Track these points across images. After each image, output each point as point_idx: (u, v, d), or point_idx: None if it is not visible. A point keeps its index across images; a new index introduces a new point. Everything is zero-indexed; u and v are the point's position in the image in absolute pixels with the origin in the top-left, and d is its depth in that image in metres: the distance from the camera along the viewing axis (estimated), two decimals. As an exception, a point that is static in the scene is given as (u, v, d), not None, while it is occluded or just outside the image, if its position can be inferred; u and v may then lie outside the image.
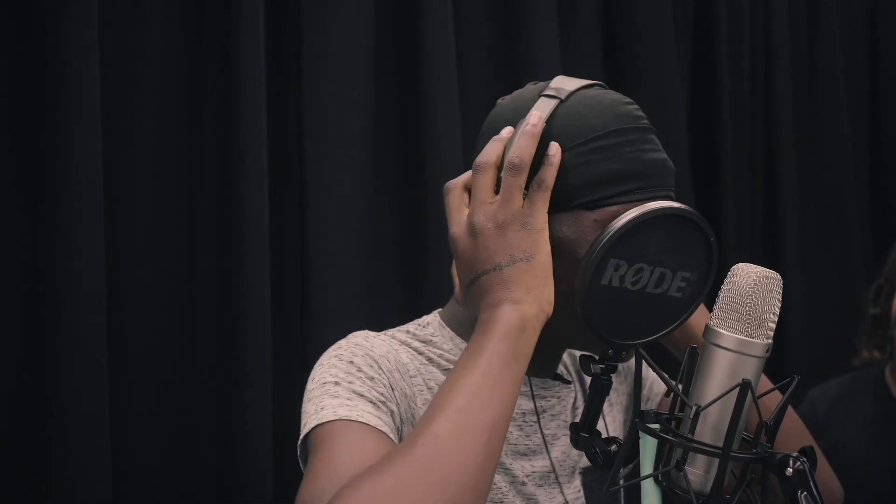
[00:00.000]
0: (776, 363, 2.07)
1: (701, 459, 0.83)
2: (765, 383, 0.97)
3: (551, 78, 0.98)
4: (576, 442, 0.98)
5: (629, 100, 0.97)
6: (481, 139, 0.98)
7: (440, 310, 1.10)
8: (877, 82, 2.62)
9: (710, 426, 0.83)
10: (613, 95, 0.96)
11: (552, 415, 1.07)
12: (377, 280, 1.79)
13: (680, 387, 0.86)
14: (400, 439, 0.96)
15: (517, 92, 1.00)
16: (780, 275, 0.83)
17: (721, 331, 0.82)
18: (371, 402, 0.94)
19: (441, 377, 1.02)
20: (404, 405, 0.98)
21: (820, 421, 2.00)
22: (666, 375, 0.86)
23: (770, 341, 0.82)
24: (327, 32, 1.73)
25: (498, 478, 1.00)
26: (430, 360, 1.03)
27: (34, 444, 1.42)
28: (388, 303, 1.80)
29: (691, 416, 0.82)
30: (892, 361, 1.96)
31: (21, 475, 1.42)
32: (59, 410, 1.42)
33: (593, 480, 1.09)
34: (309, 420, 0.93)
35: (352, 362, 0.97)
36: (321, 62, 1.73)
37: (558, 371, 1.09)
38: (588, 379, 1.14)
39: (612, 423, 1.13)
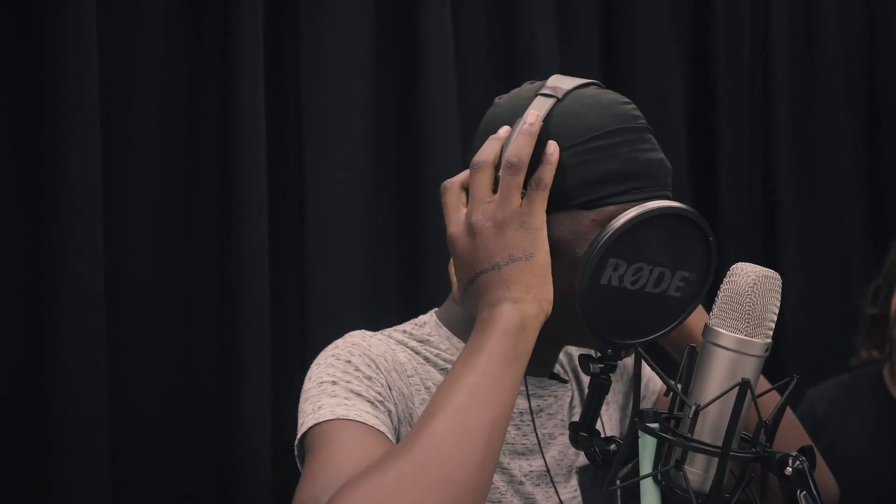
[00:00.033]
0: (774, 363, 2.07)
1: (700, 459, 0.83)
2: (763, 384, 0.97)
3: (549, 77, 0.98)
4: (575, 441, 0.98)
5: (626, 99, 0.97)
6: (478, 138, 0.97)
7: (436, 309, 1.10)
8: (875, 82, 2.62)
9: (710, 426, 0.83)
10: (611, 95, 0.97)
11: (549, 414, 1.07)
12: (376, 279, 1.79)
13: (679, 386, 0.86)
14: (397, 439, 0.95)
15: (514, 91, 1.00)
16: (779, 274, 0.84)
17: (720, 330, 0.82)
18: (369, 401, 0.94)
19: (438, 376, 1.02)
20: (402, 405, 0.98)
21: (818, 421, 2.00)
22: (665, 375, 0.86)
23: (769, 341, 0.82)
24: (326, 32, 1.73)
25: (496, 477, 1.00)
26: (426, 359, 1.03)
27: (33, 445, 1.42)
28: (387, 302, 1.80)
29: (690, 416, 0.82)
30: (890, 361, 1.96)
31: (20, 475, 1.42)
32: (59, 410, 1.42)
33: (590, 480, 1.09)
34: (306, 420, 0.93)
35: (349, 362, 0.97)
36: (320, 62, 1.73)
37: (555, 370, 1.09)
38: (584, 378, 1.14)
39: (608, 421, 1.13)
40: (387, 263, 1.82)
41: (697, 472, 0.84)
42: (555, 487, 1.05)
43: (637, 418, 0.86)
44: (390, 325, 1.08)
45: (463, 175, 0.93)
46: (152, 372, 1.57)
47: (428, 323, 1.07)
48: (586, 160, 0.92)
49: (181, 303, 1.61)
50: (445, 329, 1.06)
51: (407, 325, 1.08)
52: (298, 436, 0.94)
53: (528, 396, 1.06)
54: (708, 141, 2.30)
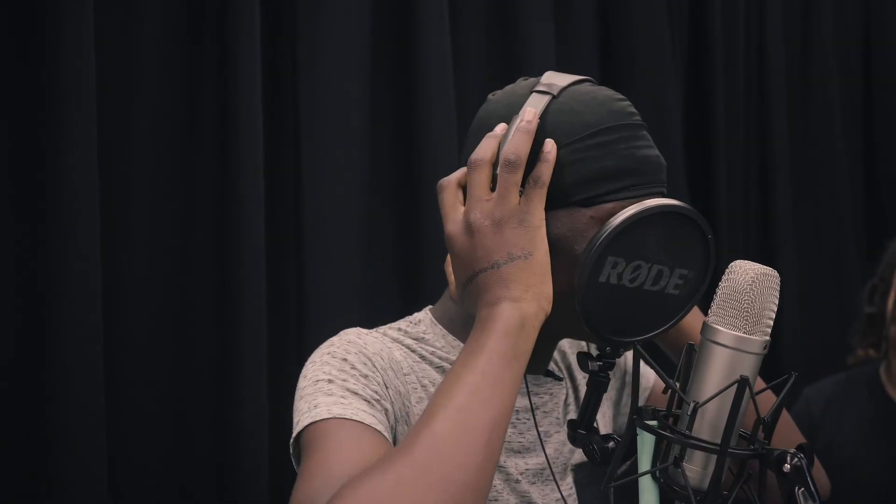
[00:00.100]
0: (771, 362, 2.07)
1: (699, 456, 0.84)
2: (759, 384, 0.98)
3: (543, 74, 0.98)
4: (573, 439, 0.98)
5: (621, 96, 0.97)
6: (473, 135, 0.97)
7: (431, 307, 1.09)
8: (870, 82, 2.63)
9: (708, 423, 0.83)
10: (606, 91, 0.97)
11: (544, 412, 1.08)
12: (374, 279, 1.79)
13: (677, 384, 0.86)
14: (394, 438, 0.95)
15: (508, 88, 0.99)
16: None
17: (719, 328, 0.82)
18: (365, 400, 0.93)
19: (434, 374, 1.02)
20: (398, 403, 0.97)
21: (815, 420, 2.00)
22: (663, 373, 0.86)
23: (768, 338, 0.82)
24: (324, 32, 1.73)
25: None
26: (422, 357, 1.03)
27: (32, 445, 1.42)
28: (385, 301, 1.80)
29: (689, 413, 0.82)
30: (887, 360, 1.97)
31: (19, 475, 1.41)
32: (57, 410, 1.41)
33: (586, 477, 1.10)
34: (302, 418, 0.93)
35: (345, 360, 0.96)
36: (318, 62, 1.73)
37: (549, 368, 1.09)
38: (578, 375, 1.14)
39: (601, 418, 1.13)
40: (385, 263, 1.82)
41: (696, 469, 0.84)
42: (556, 483, 1.05)
43: (636, 416, 0.86)
44: (387, 324, 1.08)
45: (459, 173, 0.93)
46: (150, 372, 1.57)
47: (423, 321, 1.07)
48: (584, 157, 0.92)
49: (179, 303, 1.61)
50: (440, 327, 1.06)
51: (401, 323, 1.07)
52: (294, 434, 0.93)
53: (529, 394, 1.06)
54: (705, 141, 2.30)
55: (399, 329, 1.06)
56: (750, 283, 0.81)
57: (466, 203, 0.90)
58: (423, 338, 1.05)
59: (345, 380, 0.94)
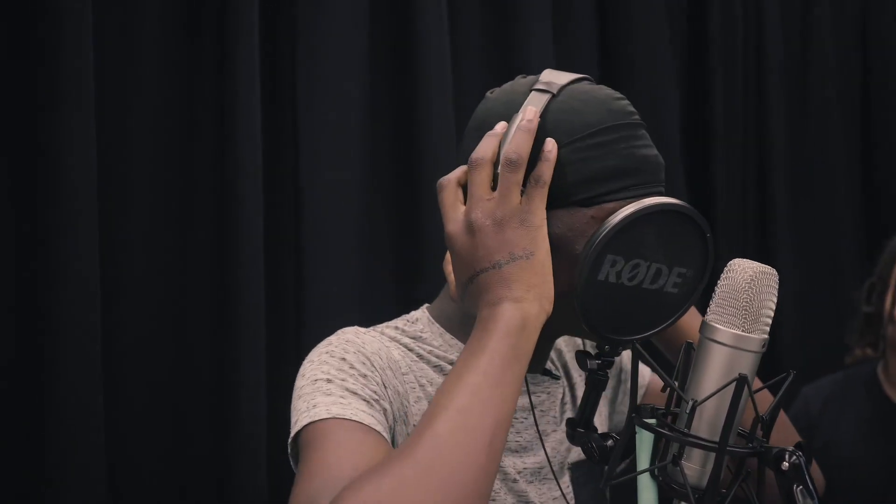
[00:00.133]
0: (770, 361, 2.07)
1: (697, 454, 0.84)
2: (757, 383, 0.98)
3: (541, 72, 0.98)
4: (572, 437, 0.98)
5: (620, 95, 0.97)
6: (471, 133, 0.97)
7: (428, 305, 1.09)
8: (868, 82, 2.64)
9: (706, 421, 0.83)
10: (605, 90, 0.96)
11: (542, 411, 1.08)
12: (373, 278, 1.79)
13: (676, 382, 0.86)
14: (393, 438, 0.95)
15: (507, 85, 0.99)
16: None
17: (717, 326, 0.82)
18: (364, 400, 0.93)
19: (431, 374, 1.02)
20: (397, 403, 0.97)
21: (813, 419, 2.01)
22: (661, 371, 0.86)
23: (766, 336, 0.82)
24: (322, 32, 1.73)
25: None
26: (420, 356, 1.03)
27: (30, 444, 1.42)
28: (383, 301, 1.80)
29: (688, 411, 0.82)
30: (884, 359, 1.97)
31: (18, 474, 1.41)
32: (55, 410, 1.41)
33: (582, 476, 1.10)
34: (300, 417, 0.92)
35: (344, 359, 0.96)
36: (316, 61, 1.73)
37: (546, 367, 1.09)
38: (574, 374, 1.14)
39: (597, 416, 1.13)
40: (383, 262, 1.82)
41: (694, 467, 0.84)
42: (556, 481, 1.05)
43: (634, 414, 0.86)
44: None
45: (459, 172, 0.92)
46: (149, 372, 1.57)
47: (420, 319, 1.07)
48: (585, 157, 0.92)
49: (178, 303, 1.61)
50: (438, 326, 1.05)
51: (399, 322, 1.07)
52: (292, 433, 0.93)
53: (529, 393, 1.06)
54: (703, 140, 2.31)
55: (396, 328, 1.06)
56: (748, 282, 0.81)
57: (467, 202, 0.90)
58: (421, 336, 1.04)
59: (343, 379, 0.94)
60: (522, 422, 1.05)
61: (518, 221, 0.88)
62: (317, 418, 0.90)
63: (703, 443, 0.82)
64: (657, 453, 0.87)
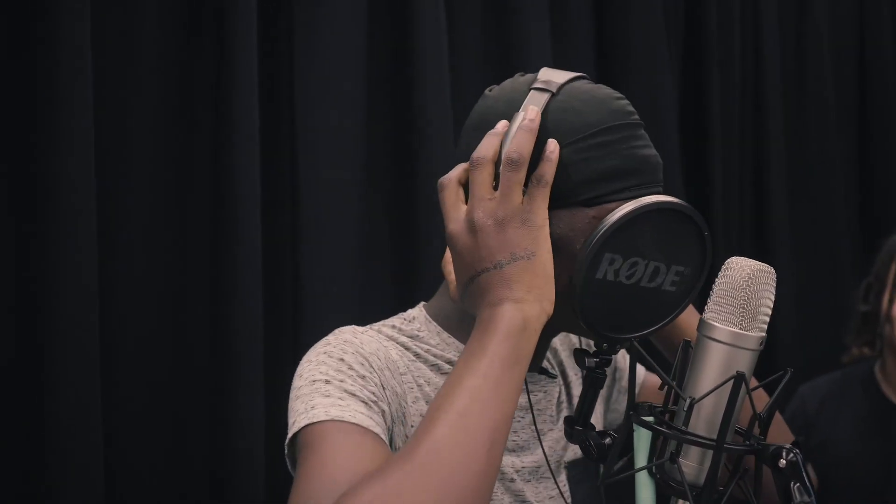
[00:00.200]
0: (767, 361, 2.08)
1: (695, 451, 0.84)
2: (754, 382, 0.98)
3: (539, 70, 0.98)
4: (570, 435, 0.98)
5: (619, 94, 0.97)
6: (471, 132, 0.97)
7: (425, 303, 1.09)
8: (864, 83, 2.64)
9: (704, 419, 0.83)
10: (605, 89, 0.96)
11: (538, 409, 1.08)
12: (370, 279, 1.79)
13: (674, 380, 0.86)
14: (391, 439, 0.95)
15: (506, 83, 0.99)
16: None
17: (715, 324, 0.83)
18: (363, 401, 0.93)
19: (429, 373, 1.02)
20: (395, 404, 0.97)
21: (810, 418, 2.01)
22: (659, 369, 0.86)
23: (763, 334, 0.82)
24: (320, 32, 1.73)
25: None
26: (417, 355, 1.02)
27: (29, 443, 1.41)
28: (381, 302, 1.80)
29: (685, 409, 0.83)
30: (881, 359, 1.97)
31: (16, 474, 1.41)
32: (54, 409, 1.41)
33: (579, 474, 1.10)
34: (298, 419, 0.92)
35: (342, 360, 0.96)
36: (314, 62, 1.73)
37: (543, 365, 1.09)
38: (570, 372, 1.14)
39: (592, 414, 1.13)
40: (381, 263, 1.82)
41: (692, 464, 0.84)
42: (554, 480, 1.06)
43: (632, 412, 0.87)
44: (382, 323, 1.08)
45: (459, 171, 0.92)
46: (146, 372, 1.57)
47: (417, 318, 1.06)
48: (587, 157, 0.91)
49: (175, 303, 1.61)
50: (435, 324, 1.05)
51: (395, 320, 1.07)
52: (290, 434, 0.93)
53: (528, 392, 1.06)
54: (700, 140, 2.31)
55: (393, 326, 1.05)
56: (746, 280, 0.82)
57: (469, 202, 0.89)
58: (418, 335, 1.04)
59: (342, 380, 0.94)
60: (519, 421, 1.05)
61: (520, 221, 0.87)
62: (315, 420, 0.90)
63: (701, 440, 0.82)
64: (655, 451, 0.87)
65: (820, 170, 2.51)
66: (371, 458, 0.86)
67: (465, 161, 0.93)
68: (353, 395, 0.93)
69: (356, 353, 0.97)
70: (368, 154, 1.80)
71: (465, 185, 0.91)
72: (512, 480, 1.03)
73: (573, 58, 2.08)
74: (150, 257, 1.58)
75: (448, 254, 1.02)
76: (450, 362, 1.03)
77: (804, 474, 0.81)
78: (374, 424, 0.91)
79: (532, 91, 0.93)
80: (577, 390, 1.14)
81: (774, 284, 0.83)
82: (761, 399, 0.99)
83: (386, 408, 0.95)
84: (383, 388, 0.96)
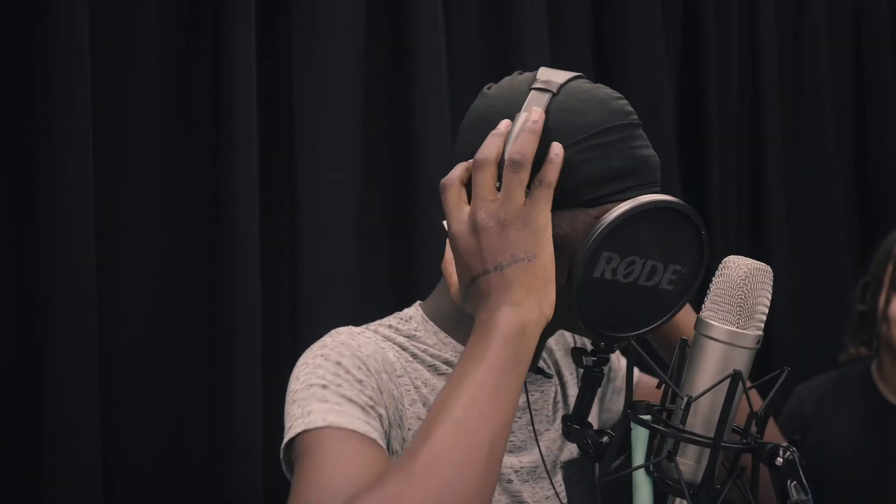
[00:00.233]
0: (764, 360, 2.08)
1: (692, 450, 0.84)
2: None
3: (538, 69, 0.97)
4: (568, 434, 0.98)
5: (618, 94, 0.97)
6: (469, 131, 0.96)
7: (421, 302, 1.09)
8: (862, 82, 2.65)
9: (701, 417, 0.84)
10: (604, 89, 0.96)
11: (535, 409, 1.08)
12: (368, 278, 1.79)
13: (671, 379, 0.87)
14: (388, 443, 0.94)
15: (505, 82, 0.98)
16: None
17: (712, 322, 0.83)
18: (360, 407, 0.92)
19: (426, 374, 1.02)
20: (392, 408, 0.96)
21: (807, 418, 2.01)
22: (657, 368, 0.87)
23: (760, 333, 0.83)
24: (318, 32, 1.73)
25: None
26: (414, 356, 1.02)
27: (28, 444, 1.42)
28: (379, 302, 1.80)
29: (683, 407, 0.83)
30: (878, 358, 1.98)
31: (14, 474, 1.41)
32: (53, 410, 1.41)
33: (575, 475, 1.10)
34: (295, 424, 0.91)
35: (339, 363, 0.95)
36: (312, 62, 1.73)
37: (539, 365, 1.09)
38: (565, 372, 1.14)
39: None
40: (379, 263, 1.82)
41: (689, 463, 0.85)
42: (550, 480, 1.06)
43: (630, 410, 0.87)
44: (381, 322, 1.08)
45: (461, 171, 0.92)
46: (145, 371, 1.57)
47: (414, 317, 1.06)
48: (589, 158, 0.91)
49: (174, 303, 1.61)
50: (432, 324, 1.05)
51: (392, 320, 1.06)
52: (286, 439, 0.92)
53: (527, 392, 1.06)
54: (698, 140, 2.31)
55: (390, 326, 1.05)
56: (743, 278, 0.82)
57: (472, 202, 0.89)
58: (415, 335, 1.04)
59: (339, 385, 0.93)
60: (517, 421, 1.05)
61: (521, 223, 0.87)
62: (312, 426, 0.89)
63: (698, 439, 0.82)
64: (652, 450, 0.88)
65: (817, 169, 2.51)
66: (369, 465, 0.86)
67: (463, 160, 0.93)
68: (351, 400, 0.92)
69: (353, 356, 0.96)
70: (367, 155, 1.80)
71: (467, 185, 0.91)
72: (509, 481, 1.03)
73: (571, 58, 2.09)
74: (149, 257, 1.58)
75: (449, 254, 1.01)
76: (447, 362, 1.03)
77: (801, 472, 0.81)
78: (372, 430, 0.91)
79: (532, 91, 0.93)
80: (572, 390, 1.14)
81: (771, 283, 0.83)
82: (758, 399, 0.99)
83: (383, 412, 0.94)
84: (380, 392, 0.95)
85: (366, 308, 1.75)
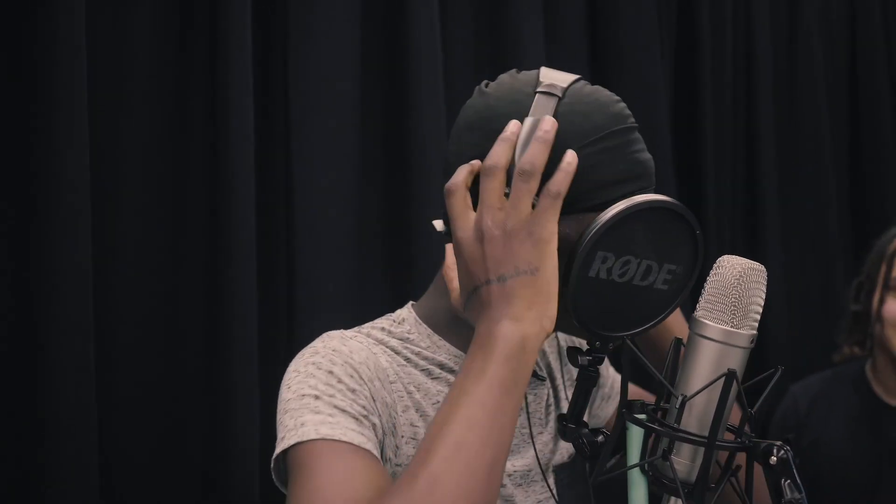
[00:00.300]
0: (758, 359, 2.08)
1: (687, 449, 0.85)
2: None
3: (538, 69, 0.97)
4: (563, 433, 0.98)
5: (617, 97, 0.97)
6: (466, 132, 0.96)
7: (413, 303, 1.08)
8: (855, 83, 2.65)
9: (696, 416, 0.84)
10: (604, 92, 0.96)
11: (529, 412, 1.08)
12: (364, 277, 1.79)
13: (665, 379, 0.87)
14: (382, 452, 0.94)
15: (505, 81, 0.97)
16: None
17: (707, 321, 0.83)
18: (354, 417, 0.91)
19: (420, 378, 1.01)
20: (385, 415, 0.95)
21: (801, 417, 2.01)
22: (652, 367, 0.87)
23: (755, 332, 0.83)
24: (314, 32, 1.74)
25: None
26: (407, 359, 1.01)
27: (24, 444, 1.41)
28: (376, 300, 1.80)
29: (677, 406, 0.83)
30: (872, 358, 1.98)
31: (11, 473, 1.41)
32: (50, 409, 1.41)
33: (567, 478, 1.10)
34: (287, 435, 0.90)
35: (331, 372, 0.94)
36: (308, 60, 1.73)
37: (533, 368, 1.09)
38: (557, 375, 1.14)
39: None
40: (375, 263, 1.82)
41: (684, 462, 0.85)
42: (546, 481, 1.06)
43: (625, 409, 0.87)
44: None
45: (464, 174, 0.91)
46: (141, 371, 1.57)
47: (407, 319, 1.05)
48: (595, 163, 0.91)
49: (170, 302, 1.61)
50: (425, 326, 1.04)
51: (384, 322, 1.05)
52: (278, 450, 0.91)
53: (526, 395, 1.06)
54: (693, 141, 2.32)
55: (382, 328, 1.04)
56: (737, 278, 0.82)
57: (478, 209, 0.88)
58: (408, 338, 1.03)
59: (332, 395, 0.92)
60: (513, 424, 1.05)
61: (526, 234, 0.86)
62: (305, 438, 0.88)
63: (693, 437, 0.83)
64: (647, 449, 0.88)
65: (812, 169, 2.52)
66: (364, 479, 0.85)
67: (460, 161, 0.93)
68: (344, 410, 0.91)
69: (345, 364, 0.95)
70: (362, 154, 1.80)
71: (472, 188, 0.90)
72: (503, 486, 1.02)
73: (566, 59, 2.09)
74: (145, 257, 1.58)
75: (449, 260, 1.01)
76: (441, 366, 1.02)
77: (795, 471, 0.82)
78: (366, 440, 0.90)
79: (538, 94, 0.92)
80: (563, 393, 1.14)
81: (765, 283, 0.84)
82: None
83: (376, 420, 0.94)
84: (373, 400, 0.94)
85: (362, 308, 1.75)
